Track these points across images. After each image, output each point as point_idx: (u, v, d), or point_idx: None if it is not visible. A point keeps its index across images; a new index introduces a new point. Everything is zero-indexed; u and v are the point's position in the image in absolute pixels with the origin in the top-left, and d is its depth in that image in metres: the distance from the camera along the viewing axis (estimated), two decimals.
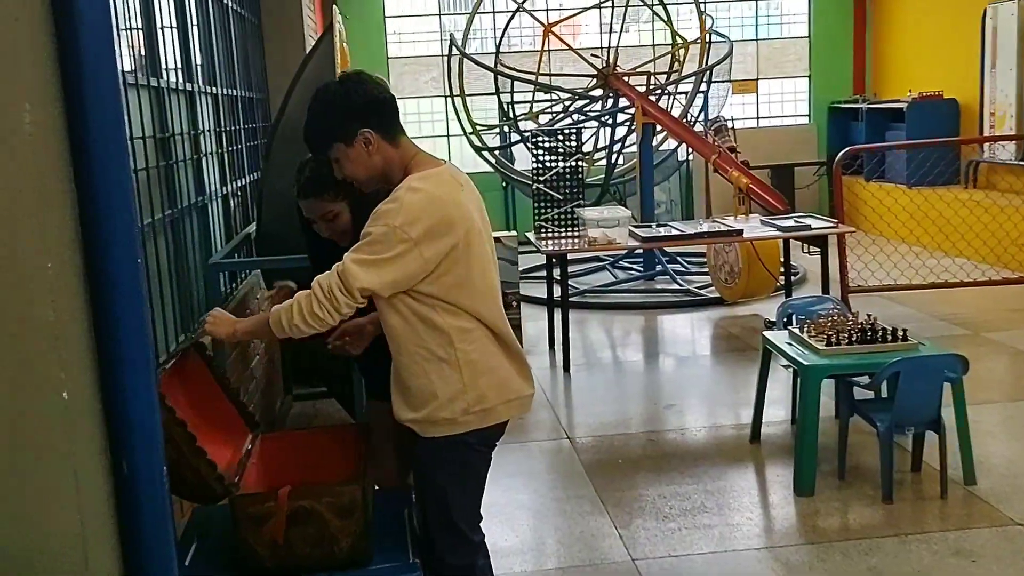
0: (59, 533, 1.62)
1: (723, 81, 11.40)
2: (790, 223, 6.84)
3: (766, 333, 4.89)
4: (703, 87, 10.53)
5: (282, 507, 2.43)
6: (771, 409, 5.17)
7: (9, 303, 1.51)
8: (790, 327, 4.76)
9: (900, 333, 4.36)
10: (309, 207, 2.86)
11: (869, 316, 4.54)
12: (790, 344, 4.53)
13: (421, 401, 2.59)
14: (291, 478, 2.71)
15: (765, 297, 8.18)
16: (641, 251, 8.96)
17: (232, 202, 5.11)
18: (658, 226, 7.19)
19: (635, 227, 6.98)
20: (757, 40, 13.30)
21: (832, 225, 6.85)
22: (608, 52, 10.05)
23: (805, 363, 4.26)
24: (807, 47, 13.19)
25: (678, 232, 6.81)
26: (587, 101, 10.42)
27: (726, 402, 5.97)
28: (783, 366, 5.31)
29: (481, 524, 2.77)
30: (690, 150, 10.64)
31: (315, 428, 3.19)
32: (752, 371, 6.24)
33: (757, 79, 13.24)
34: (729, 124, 9.38)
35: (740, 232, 6.66)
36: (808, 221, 6.92)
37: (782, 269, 7.82)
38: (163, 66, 3.79)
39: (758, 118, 13.36)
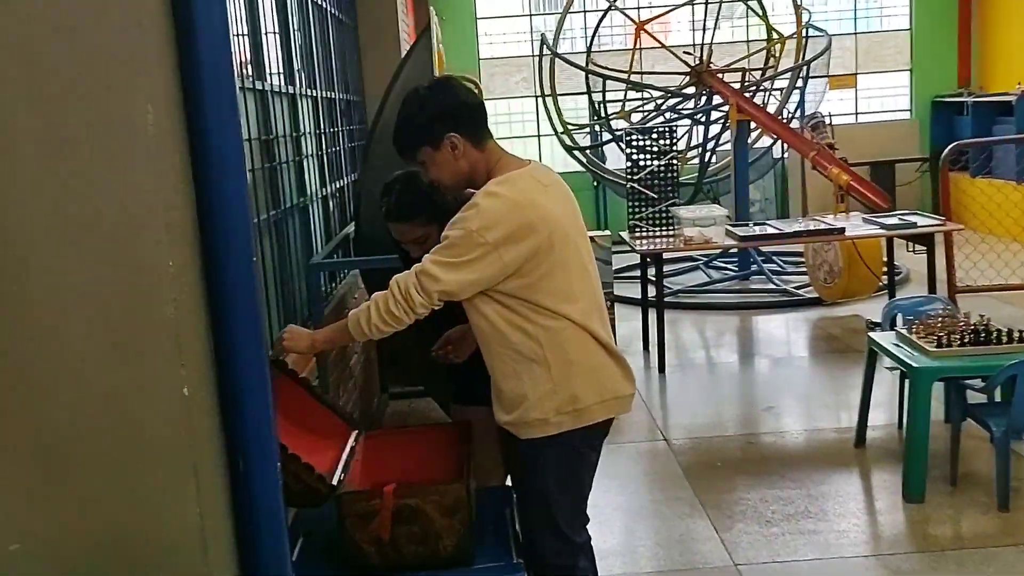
0: (180, 527, 1.65)
1: (820, 76, 11.13)
2: (894, 221, 6.63)
3: (872, 334, 4.74)
4: (799, 83, 10.30)
5: (387, 505, 2.44)
6: (873, 412, 4.99)
7: (134, 300, 1.55)
8: (897, 328, 4.61)
9: (1016, 334, 4.18)
10: (399, 231, 2.85)
11: (982, 316, 4.35)
12: (898, 346, 4.38)
13: (513, 403, 2.58)
14: (394, 476, 2.72)
15: (866, 297, 7.95)
16: (735, 250, 8.81)
17: (331, 203, 5.19)
18: (755, 225, 7.04)
19: (732, 226, 6.85)
20: (855, 33, 12.95)
21: (939, 223, 6.61)
22: (702, 49, 9.91)
23: (915, 365, 4.11)
24: (908, 40, 12.80)
25: (777, 231, 6.65)
26: (680, 99, 10.29)
27: (826, 405, 5.83)
28: (887, 368, 5.14)
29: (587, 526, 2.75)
30: (786, 147, 10.41)
31: (417, 427, 3.20)
32: (852, 373, 6.08)
33: (855, 73, 12.89)
34: (826, 120, 9.15)
35: (842, 230, 6.48)
36: (914, 219, 6.70)
37: (884, 268, 7.59)
38: (267, 70, 3.86)
39: (856, 114, 13.01)
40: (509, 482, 3.23)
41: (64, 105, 1.56)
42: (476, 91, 7.89)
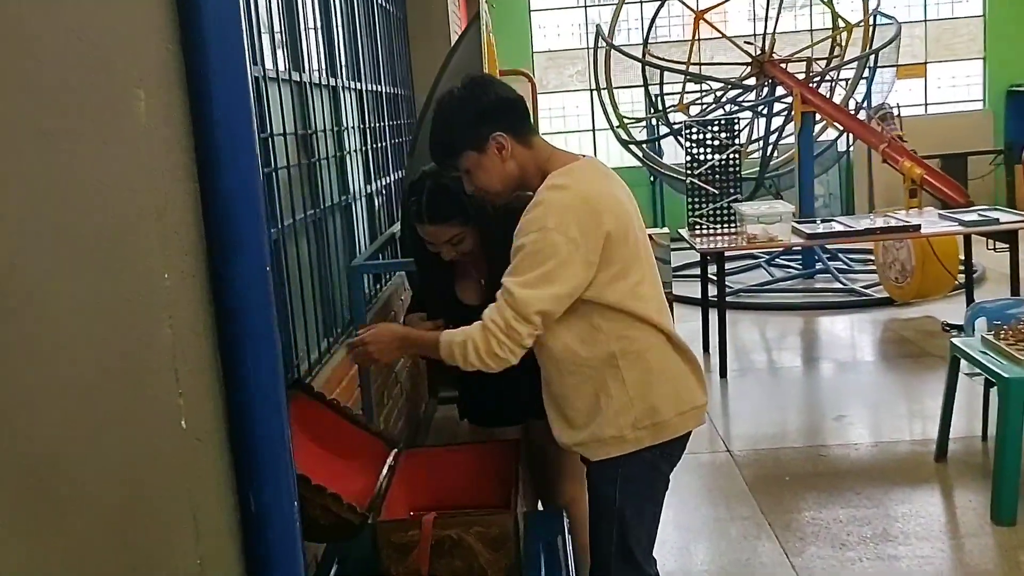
0: None
1: (888, 66, 10.66)
2: (974, 217, 6.22)
3: (955, 340, 4.39)
4: (866, 73, 9.87)
5: (427, 536, 2.21)
6: (953, 421, 4.64)
7: (121, 318, 1.31)
8: (983, 333, 4.25)
9: None
10: (432, 233, 2.59)
11: None
12: (984, 353, 4.03)
13: (584, 419, 2.33)
14: (436, 500, 2.49)
15: (940, 297, 7.54)
16: (799, 248, 8.44)
17: (376, 201, 4.97)
18: (823, 221, 6.67)
19: (799, 223, 6.50)
20: (926, 21, 12.44)
21: None
22: (764, 38, 9.54)
23: (1007, 376, 3.76)
24: (981, 27, 12.25)
25: (847, 228, 6.28)
26: (741, 91, 9.93)
27: (901, 414, 5.47)
28: (966, 374, 4.79)
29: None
30: (852, 140, 9.99)
31: (462, 444, 2.96)
32: (927, 379, 5.72)
33: (925, 62, 12.38)
34: (895, 112, 8.73)
35: (917, 227, 6.10)
36: (995, 215, 6.28)
37: (961, 267, 7.17)
38: (306, 60, 3.64)
39: (926, 104, 12.51)
40: (540, 507, 3.02)
41: (38, 90, 1.32)
42: (529, 83, 7.61)
